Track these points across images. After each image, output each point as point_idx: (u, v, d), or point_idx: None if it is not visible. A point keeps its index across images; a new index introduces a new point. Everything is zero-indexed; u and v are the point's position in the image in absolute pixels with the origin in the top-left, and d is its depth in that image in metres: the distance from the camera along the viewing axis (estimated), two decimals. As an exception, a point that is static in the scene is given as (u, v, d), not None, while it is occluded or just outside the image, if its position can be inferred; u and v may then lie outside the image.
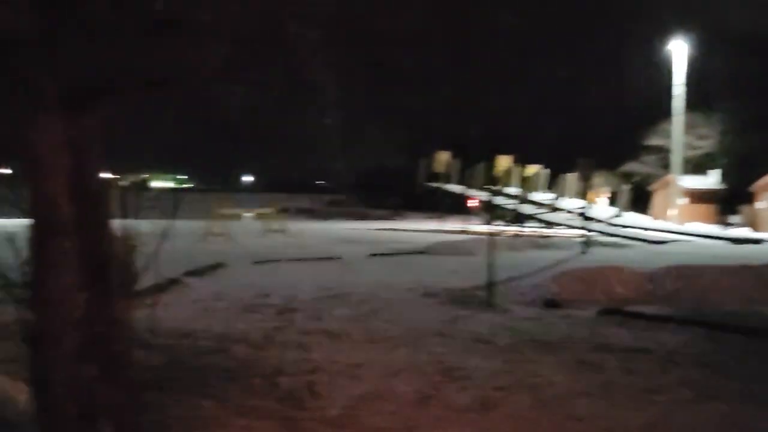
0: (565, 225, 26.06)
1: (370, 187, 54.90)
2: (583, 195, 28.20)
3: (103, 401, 3.35)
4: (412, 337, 7.32)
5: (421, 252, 17.18)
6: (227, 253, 15.54)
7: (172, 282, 10.15)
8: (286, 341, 7.06)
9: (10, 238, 3.50)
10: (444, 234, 23.82)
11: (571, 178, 31.01)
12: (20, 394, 4.20)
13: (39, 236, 3.37)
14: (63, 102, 3.18)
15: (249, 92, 3.15)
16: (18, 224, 3.49)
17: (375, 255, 16.30)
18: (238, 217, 24.80)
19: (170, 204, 5.02)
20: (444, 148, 34.21)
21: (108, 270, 3.53)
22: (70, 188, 3.36)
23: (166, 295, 8.99)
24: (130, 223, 3.99)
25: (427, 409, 4.94)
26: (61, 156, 3.32)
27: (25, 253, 3.42)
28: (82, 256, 3.41)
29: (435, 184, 33.47)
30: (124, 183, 4.28)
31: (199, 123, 4.13)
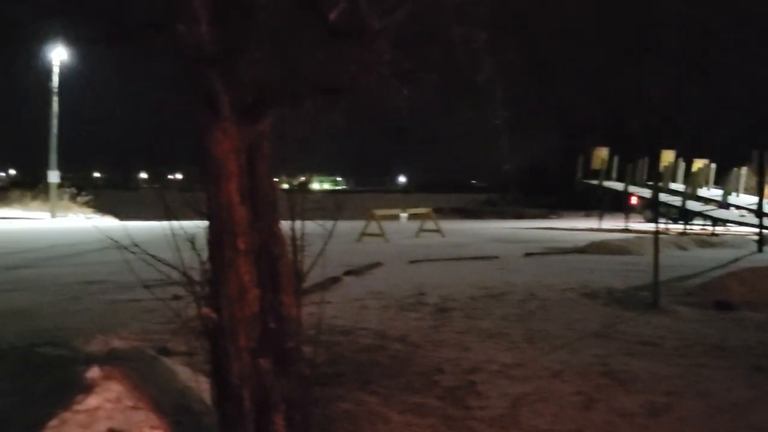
0: (736, 222, 24.47)
1: (526, 185, 54.13)
2: (757, 190, 26.35)
3: (277, 394, 3.52)
4: (573, 338, 7.15)
5: (579, 251, 16.73)
6: (383, 253, 15.86)
7: (333, 281, 10.49)
8: (443, 340, 7.11)
9: (190, 239, 3.76)
10: (603, 233, 23.05)
11: (744, 173, 29.05)
12: (201, 384, 4.50)
13: (216, 237, 3.60)
14: (237, 110, 3.38)
15: (417, 95, 3.20)
16: (197, 226, 3.75)
17: (531, 254, 16.05)
18: (394, 217, 25.20)
19: (331, 205, 5.20)
20: (602, 144, 33.09)
21: (279, 269, 3.70)
22: (244, 191, 3.57)
23: (327, 293, 9.30)
24: (297, 224, 4.18)
25: (592, 412, 4.80)
26: (235, 161, 3.52)
27: (204, 253, 3.67)
28: (255, 255, 3.60)
29: (593, 182, 32.44)
30: (289, 185, 4.46)
31: (363, 126, 4.24)
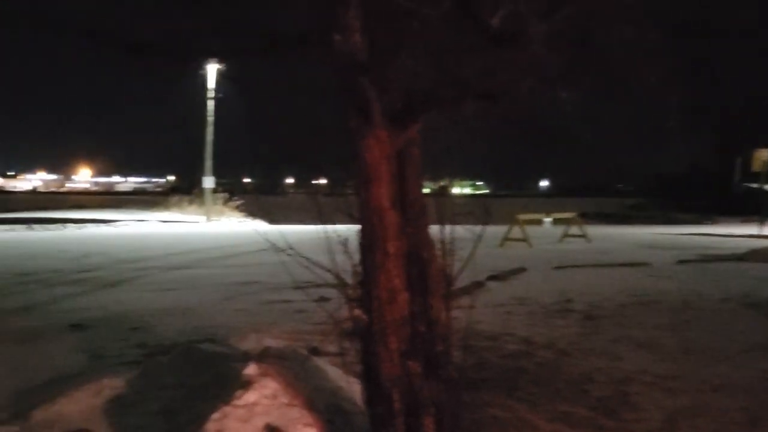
0: None
1: (676, 189, 51.62)
2: None
3: (426, 397, 3.54)
4: (735, 351, 6.73)
5: (738, 259, 15.73)
6: (527, 258, 15.60)
7: (476, 285, 10.43)
8: (592, 348, 6.90)
9: (342, 242, 3.86)
10: (765, 240, 21.57)
11: None
12: (351, 385, 4.60)
13: (367, 241, 3.67)
14: (388, 117, 3.43)
15: (576, 99, 3.13)
16: (349, 229, 3.84)
17: (685, 261, 15.26)
18: (537, 221, 24.75)
19: (477, 209, 5.17)
20: (763, 145, 30.99)
21: (428, 272, 3.73)
22: (394, 196, 3.62)
23: (471, 298, 9.25)
24: (445, 228, 4.19)
25: (759, 430, 4.50)
26: (386, 166, 3.58)
27: (356, 256, 3.76)
28: (405, 259, 3.64)
29: (753, 185, 30.40)
30: (435, 189, 4.48)
31: (512, 130, 4.19)
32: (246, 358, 5.28)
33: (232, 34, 3.45)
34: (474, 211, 5.25)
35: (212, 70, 32.32)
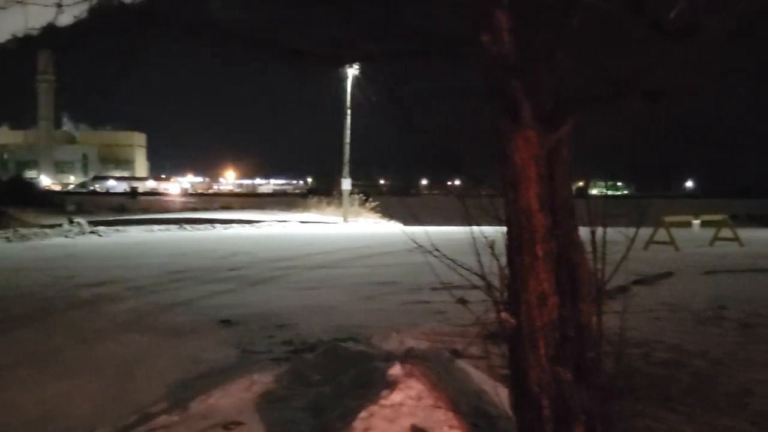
0: None
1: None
2: None
3: (577, 404, 3.44)
4: None
5: None
6: (674, 262, 14.90)
7: (621, 290, 10.05)
8: (750, 358, 6.49)
9: (489, 244, 3.82)
10: None
11: None
12: (495, 388, 4.56)
13: (515, 243, 3.61)
14: (538, 117, 3.36)
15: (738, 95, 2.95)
16: (496, 231, 3.80)
17: None
18: (684, 224, 23.57)
19: (623, 211, 4.98)
20: None
21: (578, 276, 3.62)
22: (543, 198, 3.54)
23: (615, 302, 8.92)
24: (594, 230, 4.06)
25: None
26: (534, 167, 3.51)
27: (503, 258, 3.71)
28: (554, 262, 3.56)
29: None
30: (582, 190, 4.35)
31: (665, 129, 4.01)
32: (390, 358, 5.35)
33: (382, 38, 3.49)
34: (623, 212, 5.07)
35: (351, 75, 32.98)
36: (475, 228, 4.12)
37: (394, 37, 3.73)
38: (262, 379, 5.46)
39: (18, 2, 3.36)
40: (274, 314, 9.21)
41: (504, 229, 3.72)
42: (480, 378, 4.88)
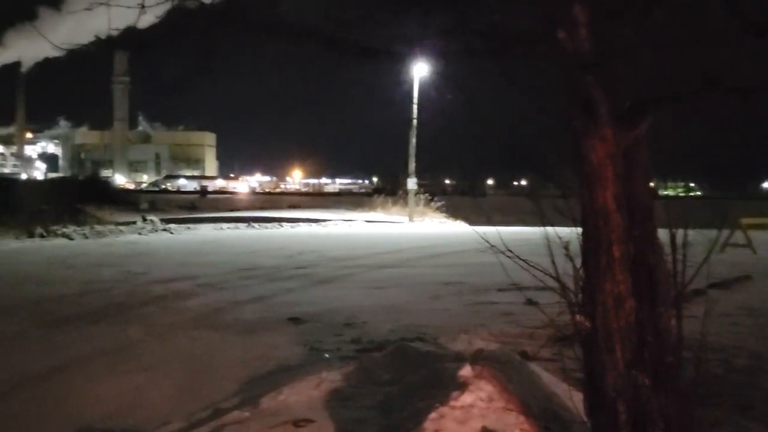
0: None
1: None
2: None
3: (654, 410, 3.34)
4: None
5: None
6: (752, 266, 14.38)
7: (696, 293, 9.75)
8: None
9: (564, 245, 3.75)
10: None
11: None
12: (566, 392, 4.46)
13: (591, 244, 3.53)
14: (615, 116, 3.28)
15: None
16: (571, 232, 3.72)
17: None
18: (763, 226, 22.70)
19: (702, 212, 4.82)
20: None
21: (656, 278, 3.52)
22: (620, 198, 3.45)
23: (692, 306, 8.67)
24: (674, 231, 3.94)
25: None
26: (611, 167, 3.42)
27: (578, 260, 3.63)
28: (631, 264, 3.46)
29: None
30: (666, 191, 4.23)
31: (747, 125, 3.86)
32: (459, 358, 5.30)
33: (455, 35, 3.46)
34: (701, 213, 4.91)
35: (419, 73, 32.91)
36: (548, 228, 4.04)
37: (468, 35, 3.68)
38: (331, 377, 5.48)
39: (102, 4, 3.44)
40: (341, 312, 9.27)
41: (579, 229, 3.64)
42: (551, 381, 4.79)
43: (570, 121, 3.48)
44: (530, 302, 7.58)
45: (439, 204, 39.97)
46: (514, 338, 7.26)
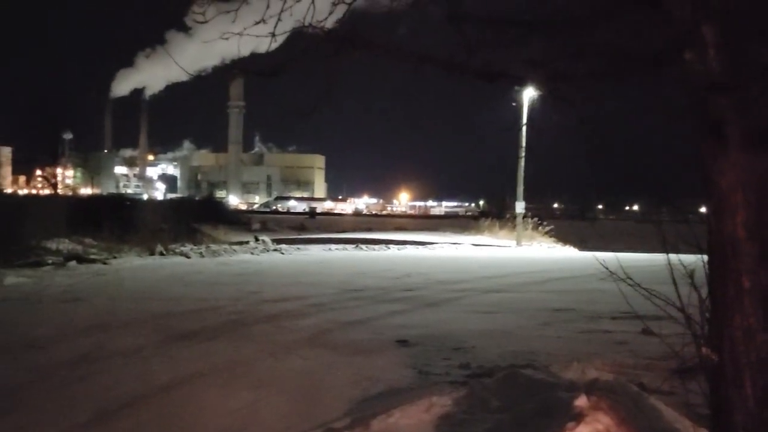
0: None
1: None
2: None
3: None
4: None
5: None
6: None
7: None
8: None
9: (688, 274, 3.60)
10: None
11: None
12: (689, 429, 4.27)
13: (719, 273, 3.37)
14: (749, 139, 3.14)
15: None
16: (696, 261, 3.58)
17: None
18: None
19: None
20: None
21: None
22: (752, 226, 3.28)
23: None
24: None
25: None
26: (742, 193, 3.27)
27: (704, 289, 3.48)
28: (763, 296, 3.28)
29: None
30: None
31: None
32: (572, 388, 5.16)
33: (576, 58, 3.41)
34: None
35: (528, 96, 32.60)
36: (671, 255, 3.90)
37: (589, 57, 3.62)
38: (441, 402, 5.46)
39: (236, 34, 3.61)
40: (450, 336, 9.22)
41: (704, 257, 3.49)
42: (672, 416, 4.58)
43: (698, 145, 3.36)
44: (648, 332, 7.30)
45: (547, 228, 39.24)
46: (630, 369, 6.99)
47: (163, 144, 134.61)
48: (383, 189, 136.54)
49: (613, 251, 6.02)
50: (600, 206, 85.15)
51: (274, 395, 6.42)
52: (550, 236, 38.54)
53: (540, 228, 39.29)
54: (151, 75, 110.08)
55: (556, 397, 4.87)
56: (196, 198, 68.42)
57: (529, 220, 38.92)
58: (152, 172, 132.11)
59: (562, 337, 9.38)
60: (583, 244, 33.25)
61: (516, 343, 8.87)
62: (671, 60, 3.20)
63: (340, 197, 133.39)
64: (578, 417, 4.17)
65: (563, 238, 37.12)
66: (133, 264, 19.93)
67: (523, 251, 32.55)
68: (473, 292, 14.72)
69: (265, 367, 7.51)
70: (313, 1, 3.39)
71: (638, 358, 7.58)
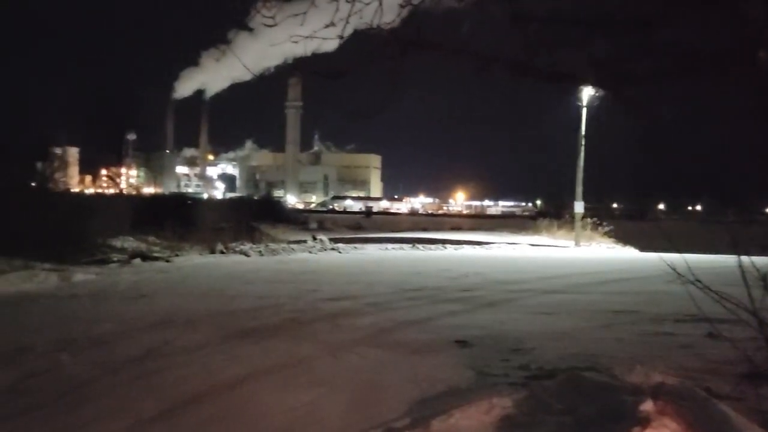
0: None
1: None
2: None
3: None
4: None
5: None
6: None
7: None
8: None
9: (762, 277, 3.51)
10: None
11: None
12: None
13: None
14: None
15: None
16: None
17: None
18: None
19: None
20: None
21: None
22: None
23: None
24: None
25: None
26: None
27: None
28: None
29: None
30: None
31: None
32: (637, 392, 5.08)
33: (644, 58, 3.35)
34: None
35: (588, 95, 32.14)
36: (735, 257, 3.80)
37: (655, 57, 3.55)
38: (502, 403, 5.43)
39: (306, 37, 3.65)
40: (509, 337, 9.15)
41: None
42: (742, 423, 4.45)
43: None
44: (714, 335, 7.12)
45: (607, 228, 38.58)
46: (696, 373, 6.83)
47: (224, 144, 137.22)
48: (439, 188, 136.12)
49: (676, 252, 5.90)
50: (661, 206, 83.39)
51: (334, 394, 6.48)
52: (610, 236, 37.91)
53: (599, 228, 38.66)
54: (214, 75, 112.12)
55: (620, 400, 4.80)
56: (255, 197, 69.46)
57: (588, 220, 38.33)
58: (212, 171, 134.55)
59: (623, 340, 9.21)
60: (644, 245, 32.62)
61: (576, 344, 8.76)
62: (741, 59, 3.12)
63: (396, 196, 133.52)
64: (644, 422, 4.10)
65: (623, 238, 36.48)
66: (195, 262, 20.34)
67: (582, 252, 32.09)
68: (531, 292, 14.58)
69: (325, 365, 7.58)
70: (380, 3, 3.41)
71: (704, 362, 7.40)
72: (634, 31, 3.24)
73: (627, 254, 31.44)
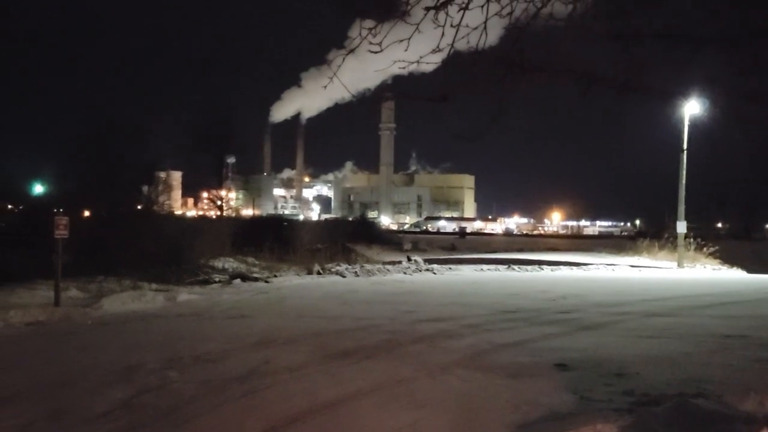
0: None
1: None
2: None
3: None
4: None
5: None
6: None
7: None
8: None
9: None
10: None
11: None
12: None
13: None
14: None
15: None
16: None
17: None
18: None
19: None
20: None
21: None
22: None
23: None
24: None
25: None
26: None
27: None
28: None
29: None
30: None
31: None
32: (750, 420, 4.88)
33: (757, 73, 3.24)
34: None
35: (688, 113, 31.10)
36: None
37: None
38: (607, 429, 5.32)
39: (414, 63, 3.72)
40: (611, 361, 8.92)
41: None
42: None
43: None
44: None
45: (711, 249, 37.03)
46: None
47: (321, 166, 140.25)
48: (534, 208, 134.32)
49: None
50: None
51: (435, 416, 6.48)
52: (715, 257, 36.36)
53: (704, 249, 37.16)
54: (312, 97, 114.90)
55: (733, 429, 4.61)
56: (350, 218, 70.34)
57: (692, 240, 36.92)
58: (308, 193, 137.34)
59: (733, 366, 8.83)
60: (752, 266, 31.12)
61: (683, 370, 8.46)
62: None
63: (489, 217, 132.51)
64: (761, 452, 3.92)
65: (729, 259, 34.92)
66: (293, 282, 20.75)
67: (685, 273, 30.91)
68: (633, 315, 14.15)
69: (424, 387, 7.59)
70: (485, 27, 3.44)
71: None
72: (747, 47, 3.14)
73: (734, 276, 30.07)
